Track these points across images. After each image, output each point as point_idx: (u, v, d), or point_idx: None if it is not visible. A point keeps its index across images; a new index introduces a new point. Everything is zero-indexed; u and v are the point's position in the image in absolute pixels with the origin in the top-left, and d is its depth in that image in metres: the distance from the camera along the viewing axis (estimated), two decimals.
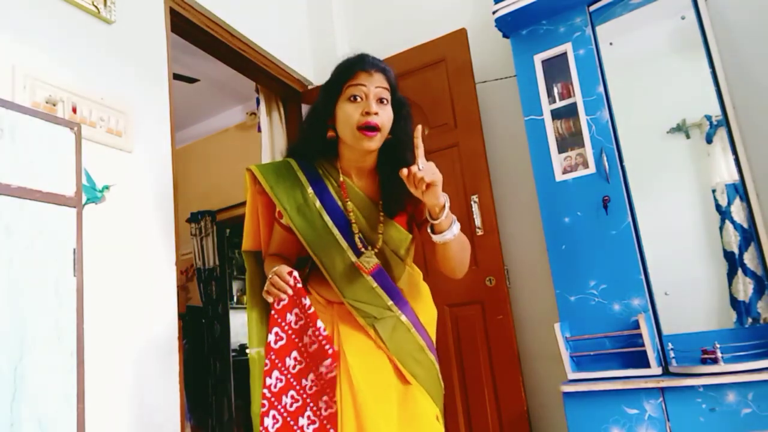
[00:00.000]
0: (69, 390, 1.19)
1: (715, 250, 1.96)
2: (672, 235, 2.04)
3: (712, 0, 2.07)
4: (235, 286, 5.81)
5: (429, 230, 1.25)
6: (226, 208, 4.78)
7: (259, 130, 3.16)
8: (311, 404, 1.22)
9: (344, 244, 1.32)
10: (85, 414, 1.20)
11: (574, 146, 2.09)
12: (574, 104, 2.08)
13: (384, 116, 1.27)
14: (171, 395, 1.80)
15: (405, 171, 1.15)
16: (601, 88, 2.04)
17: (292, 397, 1.21)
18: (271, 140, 3.07)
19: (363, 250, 1.32)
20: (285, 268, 1.24)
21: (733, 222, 1.93)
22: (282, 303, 1.22)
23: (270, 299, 1.24)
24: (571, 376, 1.85)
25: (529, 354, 2.43)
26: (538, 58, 2.19)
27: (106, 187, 1.68)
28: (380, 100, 1.27)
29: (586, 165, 2.03)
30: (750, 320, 1.87)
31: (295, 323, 1.23)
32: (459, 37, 2.59)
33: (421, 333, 1.36)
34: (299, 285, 1.24)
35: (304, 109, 2.99)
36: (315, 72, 3.05)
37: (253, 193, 1.44)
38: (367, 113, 1.24)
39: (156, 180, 1.92)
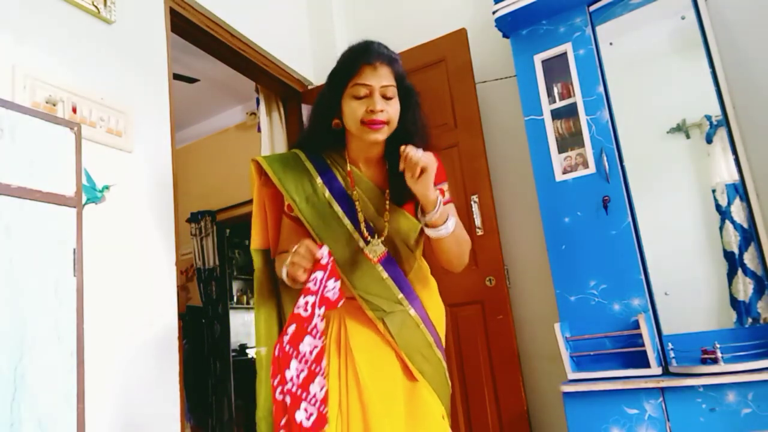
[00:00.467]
0: (69, 390, 1.19)
1: (715, 250, 1.96)
2: (672, 235, 2.04)
3: (712, 0, 2.07)
4: (235, 286, 5.82)
5: (423, 224, 1.25)
6: (226, 208, 4.78)
7: (259, 130, 3.17)
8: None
9: (355, 234, 1.31)
10: (85, 414, 1.20)
11: (574, 146, 2.09)
12: (574, 104, 2.08)
13: (390, 111, 1.27)
14: (171, 395, 1.80)
15: (403, 147, 1.15)
16: (601, 88, 2.04)
17: (319, 383, 1.13)
18: (271, 140, 3.07)
19: (370, 238, 1.31)
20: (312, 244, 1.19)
21: (733, 222, 1.93)
22: (314, 285, 1.15)
23: (299, 272, 1.16)
24: (571, 376, 1.85)
25: (529, 354, 2.43)
26: (538, 58, 2.19)
27: (106, 187, 1.68)
28: (385, 96, 1.27)
29: (586, 165, 2.03)
30: (750, 320, 1.87)
31: (305, 309, 1.15)
32: (459, 37, 2.59)
33: (429, 329, 1.35)
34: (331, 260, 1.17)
35: (304, 109, 2.99)
36: (315, 72, 3.05)
37: (259, 186, 1.41)
38: (372, 111, 1.25)
39: (156, 180, 1.92)
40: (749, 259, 1.89)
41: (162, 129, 1.99)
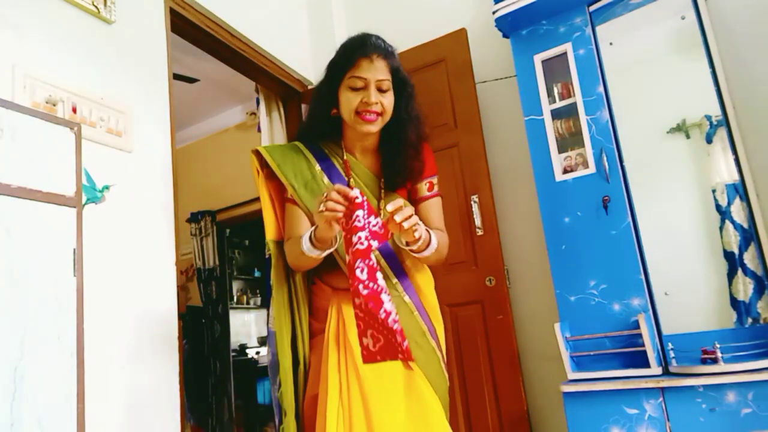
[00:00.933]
0: (69, 390, 1.19)
1: (715, 250, 1.96)
2: (672, 235, 2.04)
3: (712, 0, 2.07)
4: (235, 286, 5.82)
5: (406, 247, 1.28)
6: (226, 208, 4.78)
7: (259, 130, 3.17)
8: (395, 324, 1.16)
9: None
10: (85, 414, 1.20)
11: (574, 146, 2.09)
12: (574, 104, 2.08)
13: (385, 103, 1.32)
14: (171, 395, 1.80)
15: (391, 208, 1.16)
16: (601, 88, 2.04)
17: (385, 311, 1.14)
18: (271, 140, 3.07)
19: None
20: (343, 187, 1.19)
21: (733, 222, 1.93)
22: (362, 231, 1.14)
23: (328, 216, 1.14)
24: (571, 376, 1.85)
25: (529, 354, 2.43)
26: (538, 58, 2.18)
27: (106, 187, 1.68)
28: (381, 89, 1.32)
29: (586, 165, 2.03)
30: (750, 320, 1.87)
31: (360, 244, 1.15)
32: (459, 37, 2.59)
33: (423, 317, 1.36)
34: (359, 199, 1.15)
35: (304, 109, 2.99)
36: (315, 72, 3.05)
37: (263, 179, 1.44)
38: (366, 103, 1.29)
39: (156, 180, 1.92)
40: (749, 259, 1.89)
41: (162, 129, 1.99)
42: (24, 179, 1.18)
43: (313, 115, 1.44)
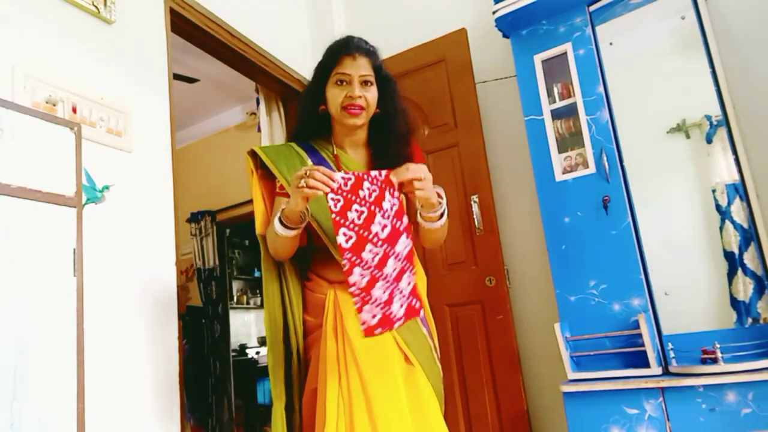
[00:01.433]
0: (69, 390, 1.19)
1: (715, 250, 1.96)
2: (672, 235, 2.04)
3: (712, 0, 2.07)
4: (235, 286, 5.82)
5: (419, 216, 1.30)
6: (226, 208, 4.78)
7: (259, 130, 3.16)
8: (396, 287, 1.21)
9: None
10: (85, 414, 1.20)
11: (574, 146, 2.09)
12: (574, 104, 2.08)
13: (368, 97, 1.38)
14: (171, 395, 1.80)
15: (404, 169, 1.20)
16: (601, 88, 2.04)
17: (382, 287, 1.19)
18: (271, 140, 3.07)
19: None
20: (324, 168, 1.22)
21: (733, 222, 1.93)
22: (339, 204, 1.18)
23: (307, 192, 1.17)
24: (571, 376, 1.85)
25: (529, 354, 2.43)
26: (538, 58, 2.19)
27: (106, 187, 1.68)
28: (364, 83, 1.38)
29: (586, 165, 2.03)
30: (750, 320, 1.87)
31: (359, 218, 1.20)
32: (459, 37, 2.59)
33: None
34: (350, 177, 1.19)
35: None
36: None
37: (257, 179, 1.48)
38: (351, 97, 1.35)
39: (156, 180, 1.92)
40: (749, 259, 1.89)
41: (162, 129, 1.99)
42: (24, 179, 1.18)
43: (303, 115, 1.50)
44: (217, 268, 4.87)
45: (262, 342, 5.73)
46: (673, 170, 2.12)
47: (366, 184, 1.20)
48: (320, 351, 1.32)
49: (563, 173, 2.07)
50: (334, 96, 1.39)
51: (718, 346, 1.70)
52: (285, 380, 1.40)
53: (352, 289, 1.17)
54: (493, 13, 2.22)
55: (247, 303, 5.90)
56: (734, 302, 1.90)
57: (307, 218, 1.29)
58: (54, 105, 1.58)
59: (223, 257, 4.96)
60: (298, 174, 1.19)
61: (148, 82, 1.97)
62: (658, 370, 1.74)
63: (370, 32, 3.12)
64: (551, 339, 1.96)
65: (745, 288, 1.89)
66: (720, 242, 1.95)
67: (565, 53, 2.13)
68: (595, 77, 2.05)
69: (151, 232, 1.85)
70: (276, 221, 1.28)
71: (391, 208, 1.21)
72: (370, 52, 1.42)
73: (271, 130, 3.10)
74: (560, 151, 2.10)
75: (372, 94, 1.40)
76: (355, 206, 1.19)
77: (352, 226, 1.18)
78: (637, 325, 1.80)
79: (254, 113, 4.16)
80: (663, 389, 1.69)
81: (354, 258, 1.17)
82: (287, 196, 1.39)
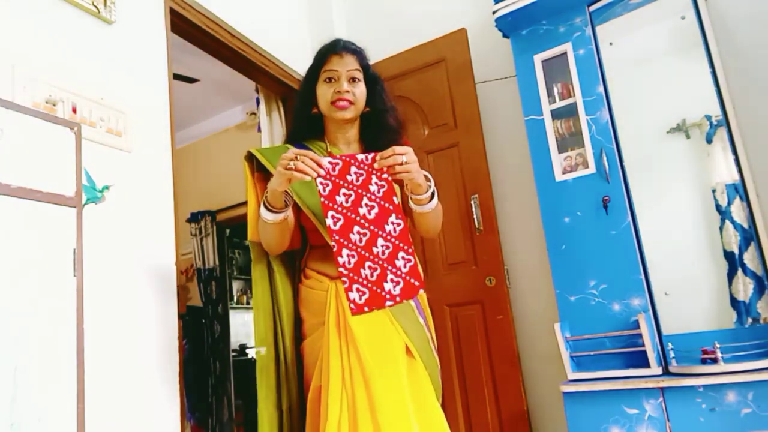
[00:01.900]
0: (69, 390, 1.19)
1: (715, 250, 1.96)
2: (672, 235, 2.04)
3: (712, 0, 2.07)
4: (235, 286, 5.82)
5: (410, 201, 1.33)
6: (226, 208, 4.78)
7: (259, 130, 3.16)
8: (390, 267, 1.23)
9: None
10: (85, 414, 1.20)
11: (574, 146, 2.09)
12: (574, 104, 2.08)
13: (356, 92, 1.43)
14: (171, 395, 1.80)
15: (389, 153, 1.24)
16: (601, 88, 2.04)
17: (370, 267, 1.23)
18: (271, 140, 3.07)
19: None
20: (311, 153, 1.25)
21: (733, 222, 1.93)
22: (328, 189, 1.24)
23: (295, 175, 1.20)
24: (571, 376, 1.85)
25: (529, 354, 2.43)
26: (538, 58, 2.19)
27: (106, 187, 1.68)
28: (352, 80, 1.43)
29: (586, 165, 2.03)
30: (750, 320, 1.87)
31: (347, 201, 1.25)
32: (459, 37, 2.59)
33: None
34: (337, 162, 1.24)
35: None
36: None
37: (254, 182, 1.52)
38: (339, 92, 1.41)
39: (156, 180, 1.92)
40: (749, 259, 1.89)
41: (162, 129, 1.99)
42: (24, 179, 1.18)
43: (296, 116, 1.55)
44: (217, 268, 4.87)
45: None
46: (673, 170, 2.12)
47: (353, 169, 1.25)
48: (323, 347, 1.33)
49: (563, 173, 2.07)
50: (323, 93, 1.44)
51: (718, 346, 1.70)
52: (276, 384, 1.42)
53: (339, 269, 1.21)
54: (493, 13, 2.22)
55: (247, 303, 5.90)
56: (734, 302, 1.90)
57: (291, 202, 1.32)
58: (54, 105, 1.58)
59: (223, 257, 4.96)
60: (286, 155, 1.22)
61: (148, 82, 1.97)
62: (658, 370, 1.74)
63: (370, 32, 3.13)
64: (551, 339, 1.96)
65: (745, 288, 1.89)
66: (720, 242, 1.95)
67: (565, 53, 2.13)
68: (595, 77, 2.06)
69: (151, 232, 1.85)
70: (262, 207, 1.31)
71: (379, 191, 1.25)
72: (356, 51, 1.48)
73: (271, 130, 3.10)
74: (560, 151, 2.10)
75: (360, 89, 1.44)
76: (343, 190, 1.25)
77: (340, 209, 1.24)
78: (637, 325, 1.80)
79: (254, 113, 4.16)
80: (663, 389, 1.69)
81: (341, 239, 1.22)
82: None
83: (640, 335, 1.78)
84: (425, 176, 1.30)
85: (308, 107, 1.50)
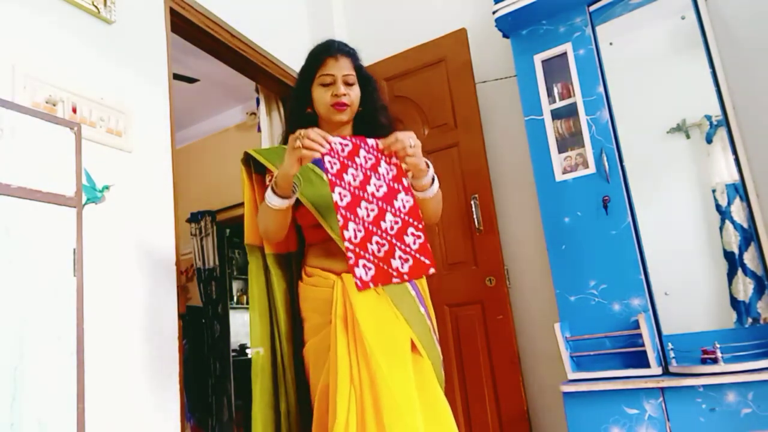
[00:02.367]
0: (69, 390, 1.19)
1: (715, 250, 1.96)
2: (672, 235, 2.04)
3: (712, 0, 2.07)
4: (235, 286, 5.82)
5: (411, 187, 1.33)
6: (226, 208, 4.78)
7: (259, 130, 3.16)
8: (398, 243, 1.22)
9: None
10: (85, 414, 1.20)
11: (574, 146, 2.09)
12: (574, 104, 2.08)
13: (352, 95, 1.45)
14: (171, 395, 1.80)
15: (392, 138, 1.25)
16: (601, 88, 2.04)
17: (377, 242, 1.21)
18: (271, 140, 3.06)
19: None
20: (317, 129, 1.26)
21: (733, 222, 1.93)
22: (335, 167, 1.22)
23: (304, 153, 1.21)
24: (571, 376, 1.85)
25: (529, 354, 2.43)
26: (538, 58, 2.19)
27: (106, 187, 1.68)
28: (347, 83, 1.45)
29: (586, 165, 2.03)
30: (750, 320, 1.87)
31: (354, 180, 1.23)
32: (459, 37, 2.59)
33: (412, 284, 1.40)
34: (347, 144, 1.24)
35: None
36: None
37: (251, 184, 1.53)
38: (336, 95, 1.43)
39: (156, 180, 1.92)
40: (749, 259, 1.89)
41: (162, 129, 1.99)
42: (24, 179, 1.18)
43: (291, 117, 1.56)
44: (217, 268, 4.87)
45: None
46: (673, 170, 2.12)
47: (362, 152, 1.25)
48: (331, 345, 1.31)
49: (563, 173, 2.07)
50: (321, 96, 1.45)
51: (718, 346, 1.70)
52: (272, 386, 1.43)
53: (346, 244, 1.19)
54: (493, 13, 2.22)
55: (247, 303, 5.87)
56: (734, 302, 1.90)
57: (298, 190, 1.32)
58: (54, 105, 1.58)
59: (223, 257, 4.96)
60: (293, 136, 1.23)
61: (148, 82, 1.97)
62: (658, 370, 1.74)
63: (370, 32, 3.12)
64: (551, 339, 1.96)
65: (745, 288, 1.89)
66: (720, 242, 1.95)
67: (565, 53, 2.13)
68: (595, 77, 2.05)
69: (151, 232, 1.85)
70: (269, 191, 1.31)
71: (388, 173, 1.25)
72: (351, 54, 1.50)
73: (271, 130, 3.10)
74: (560, 151, 2.10)
75: (355, 92, 1.47)
76: (351, 170, 1.23)
77: (347, 186, 1.22)
78: (637, 325, 1.80)
79: (254, 113, 4.16)
80: (663, 389, 1.69)
81: (348, 213, 1.20)
82: None
83: (640, 335, 1.78)
84: (426, 162, 1.31)
85: (303, 108, 1.51)
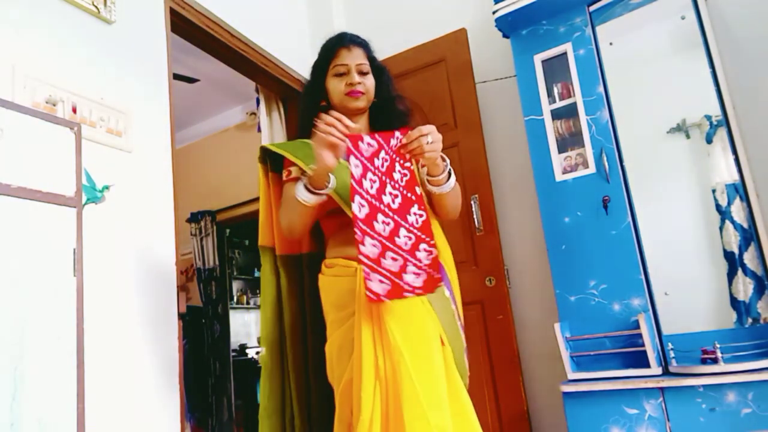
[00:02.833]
0: (69, 390, 1.19)
1: (715, 250, 1.96)
2: (672, 235, 2.04)
3: (712, 0, 2.07)
4: (235, 286, 5.82)
5: (427, 184, 1.33)
6: (226, 208, 4.78)
7: (259, 130, 3.16)
8: (412, 259, 1.21)
9: None
10: (85, 414, 1.20)
11: (574, 146, 2.09)
12: (574, 104, 2.08)
13: (367, 84, 1.46)
14: (171, 395, 1.80)
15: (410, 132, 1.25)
16: (601, 88, 2.04)
17: (392, 258, 1.20)
18: (271, 140, 3.07)
19: None
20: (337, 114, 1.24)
21: (733, 222, 1.93)
22: (359, 171, 1.21)
23: (331, 139, 1.20)
24: (571, 376, 1.85)
25: (529, 354, 2.43)
26: (538, 58, 2.18)
27: (106, 187, 1.68)
28: (361, 72, 1.46)
29: (586, 165, 2.03)
30: (750, 320, 1.87)
31: (371, 188, 1.23)
32: (459, 37, 2.59)
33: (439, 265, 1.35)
34: (373, 144, 1.23)
35: None
36: None
37: (267, 183, 1.52)
38: (351, 84, 1.43)
39: (156, 180, 1.92)
40: (749, 259, 1.89)
41: (162, 129, 1.99)
42: (24, 179, 1.18)
43: (305, 111, 1.53)
44: (217, 268, 4.87)
45: None
46: (673, 170, 2.12)
47: (381, 153, 1.24)
48: (354, 336, 1.27)
49: (563, 173, 2.07)
50: (335, 86, 1.45)
51: (718, 346, 1.70)
52: (280, 389, 1.43)
53: (360, 257, 1.18)
54: (493, 13, 2.22)
55: (247, 303, 5.90)
56: (734, 302, 1.90)
57: (330, 186, 1.29)
58: (54, 105, 1.58)
59: (223, 257, 4.96)
60: (317, 128, 1.22)
61: (148, 82, 1.97)
62: (658, 370, 1.74)
63: (370, 32, 3.12)
64: (551, 339, 1.96)
65: (745, 288, 1.89)
66: (720, 242, 1.95)
67: (565, 53, 2.13)
68: (595, 77, 2.05)
69: (151, 232, 1.85)
70: (301, 187, 1.28)
71: (402, 179, 1.24)
72: (363, 44, 1.50)
73: (271, 130, 3.10)
74: (560, 151, 2.10)
75: (369, 81, 1.47)
76: (370, 174, 1.23)
77: (366, 195, 1.21)
78: (637, 325, 1.80)
79: (254, 113, 4.16)
80: (663, 389, 1.69)
81: (366, 228, 1.19)
82: (296, 180, 1.39)
83: (640, 335, 1.78)
84: (441, 156, 1.30)
85: (317, 101, 1.50)
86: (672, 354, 1.85)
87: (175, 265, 1.93)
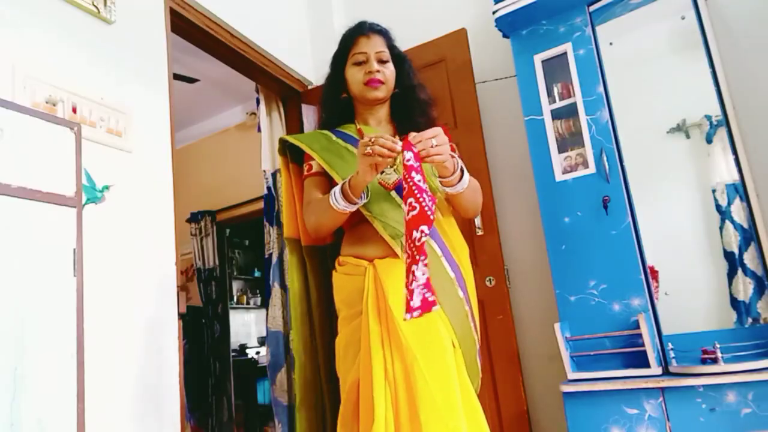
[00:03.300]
0: (69, 390, 1.19)
1: (715, 250, 1.96)
2: (672, 235, 2.04)
3: (712, 0, 2.07)
4: (235, 286, 5.82)
5: (440, 184, 1.31)
6: (226, 208, 4.78)
7: (259, 130, 3.16)
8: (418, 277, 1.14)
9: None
10: (85, 414, 1.20)
11: (574, 146, 2.09)
12: (574, 104, 2.08)
13: (386, 72, 1.44)
14: (171, 395, 1.80)
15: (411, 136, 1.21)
16: (601, 88, 2.04)
17: (423, 270, 1.13)
18: (271, 140, 3.06)
19: (383, 169, 1.30)
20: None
21: (733, 222, 1.93)
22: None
23: (377, 159, 1.15)
24: (571, 376, 1.85)
25: (529, 354, 2.43)
26: (538, 58, 2.18)
27: (106, 187, 1.68)
28: (380, 61, 1.42)
29: (586, 165, 2.03)
30: (750, 320, 1.87)
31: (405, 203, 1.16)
32: (459, 37, 2.59)
33: (450, 263, 1.34)
34: (409, 159, 1.15)
35: (304, 109, 2.99)
36: (315, 72, 3.05)
37: (289, 175, 1.53)
38: (370, 72, 1.42)
39: (156, 180, 1.92)
40: (749, 259, 1.89)
41: (162, 129, 1.99)
42: (24, 179, 1.18)
43: (326, 103, 1.53)
44: (217, 268, 4.88)
45: (262, 342, 5.74)
46: (673, 170, 2.12)
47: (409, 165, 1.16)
48: (362, 336, 1.25)
49: (563, 173, 2.07)
50: (354, 75, 1.44)
51: (718, 346, 1.70)
52: (314, 381, 1.43)
53: (411, 279, 1.12)
54: (493, 13, 2.22)
55: (247, 303, 5.90)
56: (734, 302, 1.90)
57: (365, 198, 1.27)
58: (54, 105, 1.58)
59: (223, 257, 4.96)
60: (363, 142, 1.18)
61: (148, 82, 1.97)
62: (658, 370, 1.74)
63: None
64: (551, 339, 1.96)
65: (745, 288, 1.89)
66: (720, 242, 1.95)
67: (565, 53, 2.13)
68: (595, 77, 2.05)
69: (151, 232, 1.85)
70: (338, 194, 1.25)
71: (419, 191, 1.16)
72: (383, 32, 1.50)
73: (271, 130, 3.10)
74: (560, 151, 2.10)
75: (390, 70, 1.45)
76: (402, 183, 1.17)
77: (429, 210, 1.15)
78: (637, 325, 1.80)
79: (254, 113, 4.16)
80: (663, 389, 1.69)
81: (417, 253, 1.12)
82: (317, 175, 1.42)
83: (640, 335, 1.78)
84: (450, 155, 1.26)
85: (338, 93, 1.50)
86: (672, 354, 1.85)
87: (175, 265, 1.93)
